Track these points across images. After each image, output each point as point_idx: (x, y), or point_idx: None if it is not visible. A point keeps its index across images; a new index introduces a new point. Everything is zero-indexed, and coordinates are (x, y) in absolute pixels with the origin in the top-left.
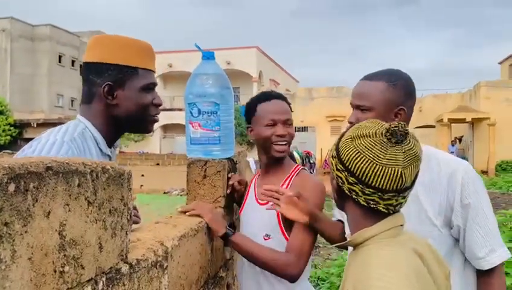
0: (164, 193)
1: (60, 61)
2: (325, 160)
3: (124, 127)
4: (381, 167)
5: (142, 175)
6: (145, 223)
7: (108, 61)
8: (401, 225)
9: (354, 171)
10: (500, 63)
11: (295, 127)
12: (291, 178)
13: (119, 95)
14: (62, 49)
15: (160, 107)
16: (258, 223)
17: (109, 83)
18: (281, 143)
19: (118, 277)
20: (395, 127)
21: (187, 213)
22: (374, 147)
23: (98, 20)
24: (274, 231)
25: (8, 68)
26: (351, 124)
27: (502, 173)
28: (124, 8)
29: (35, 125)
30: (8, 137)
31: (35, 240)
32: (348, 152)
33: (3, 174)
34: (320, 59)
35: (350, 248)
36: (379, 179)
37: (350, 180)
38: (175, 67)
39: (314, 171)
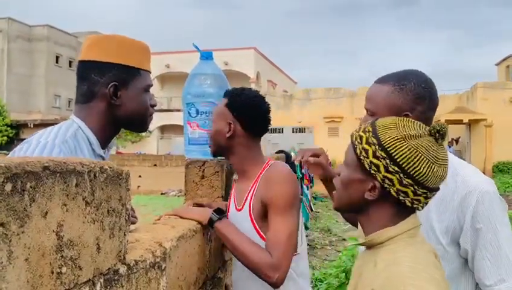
0: (161, 193)
1: (57, 62)
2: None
3: (123, 126)
4: (438, 168)
5: (140, 176)
6: (142, 224)
7: (112, 60)
8: (420, 225)
9: (412, 173)
10: (497, 64)
11: (292, 128)
12: (260, 176)
13: (122, 96)
14: (59, 50)
15: (155, 107)
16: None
17: (115, 82)
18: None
19: (115, 278)
20: (444, 128)
21: (165, 215)
22: (431, 147)
23: (95, 20)
24: (253, 237)
25: (5, 69)
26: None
27: (498, 174)
28: (121, 8)
29: (32, 126)
30: (5, 138)
31: (32, 240)
32: (406, 153)
33: None
34: (318, 60)
35: (361, 248)
36: (435, 179)
37: (405, 182)
38: (172, 68)
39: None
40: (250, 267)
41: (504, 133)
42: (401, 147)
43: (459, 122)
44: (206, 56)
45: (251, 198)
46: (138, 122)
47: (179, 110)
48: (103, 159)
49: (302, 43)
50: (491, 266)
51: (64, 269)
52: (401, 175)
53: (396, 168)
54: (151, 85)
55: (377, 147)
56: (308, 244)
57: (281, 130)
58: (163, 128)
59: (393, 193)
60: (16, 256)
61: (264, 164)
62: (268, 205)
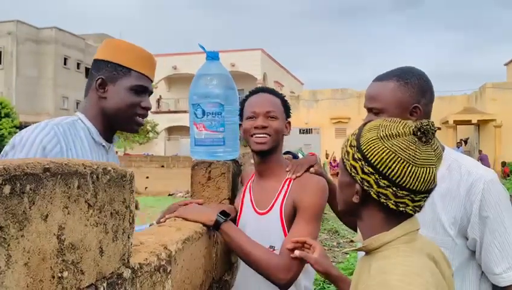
0: (169, 194)
1: (65, 64)
2: (330, 162)
3: (111, 121)
4: (417, 168)
5: (147, 177)
6: (149, 225)
7: (106, 58)
8: (417, 229)
9: (388, 174)
10: (506, 64)
11: (299, 129)
12: (289, 182)
13: (109, 90)
14: (67, 52)
15: (148, 111)
16: (261, 233)
17: (102, 77)
18: (259, 135)
19: (119, 282)
20: (427, 125)
21: (168, 217)
22: (409, 147)
23: (103, 22)
24: (279, 242)
25: (14, 71)
26: None
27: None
28: (129, 10)
29: None
30: None
31: (32, 244)
32: (379, 154)
33: None
34: (324, 61)
35: (360, 253)
36: (415, 181)
37: (381, 184)
38: (179, 70)
39: None
40: (260, 269)
41: None
42: (375, 147)
43: (467, 122)
44: (212, 56)
45: (282, 201)
46: (123, 119)
47: (186, 112)
48: (104, 147)
49: (308, 44)
50: (499, 254)
51: (65, 274)
52: (377, 176)
53: (371, 170)
54: (145, 87)
55: (355, 149)
56: None
57: None
58: (171, 130)
59: (374, 195)
60: (14, 260)
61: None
62: (298, 208)
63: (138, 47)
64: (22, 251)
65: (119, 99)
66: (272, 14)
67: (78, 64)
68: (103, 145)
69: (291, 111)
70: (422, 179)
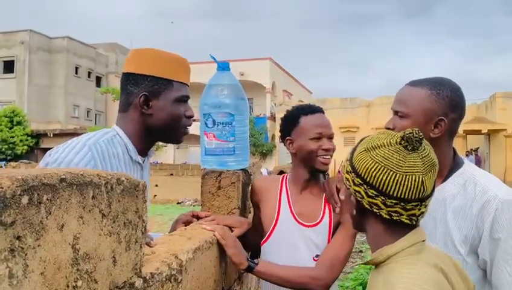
0: (177, 203)
1: (76, 73)
2: (339, 171)
3: (156, 136)
4: (402, 176)
5: (156, 185)
6: (158, 233)
7: (145, 72)
8: (423, 241)
9: (374, 183)
10: None
11: None
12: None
13: (154, 105)
14: (78, 61)
15: (192, 119)
16: (306, 244)
17: (145, 93)
18: (327, 156)
19: None
20: (410, 133)
21: (209, 228)
22: (392, 156)
23: (114, 32)
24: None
25: (26, 79)
26: (388, 129)
27: None
28: (139, 20)
29: (51, 136)
30: (26, 147)
31: (48, 254)
32: (364, 164)
33: (16, 186)
34: (331, 70)
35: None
36: (401, 188)
37: (370, 193)
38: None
39: None
40: (299, 285)
41: None
42: (361, 159)
43: (477, 132)
44: (223, 67)
45: (330, 216)
46: (170, 132)
47: (195, 120)
48: (141, 165)
49: (316, 53)
50: (509, 279)
51: (79, 283)
52: (365, 186)
53: (359, 181)
54: (187, 96)
55: (348, 162)
56: None
57: None
58: None
59: (367, 206)
60: (31, 270)
61: None
62: (342, 223)
63: (172, 54)
64: (39, 260)
65: (165, 115)
66: (280, 23)
67: (89, 73)
68: (139, 163)
69: None
70: (408, 187)
